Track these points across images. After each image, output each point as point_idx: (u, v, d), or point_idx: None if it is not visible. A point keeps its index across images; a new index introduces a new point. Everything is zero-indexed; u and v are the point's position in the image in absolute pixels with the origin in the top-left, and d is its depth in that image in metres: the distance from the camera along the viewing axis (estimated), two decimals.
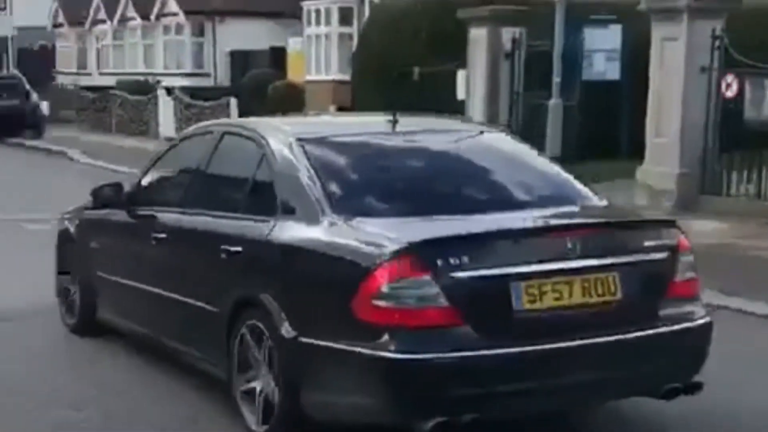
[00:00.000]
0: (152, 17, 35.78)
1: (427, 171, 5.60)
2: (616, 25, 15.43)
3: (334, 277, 4.92)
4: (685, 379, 5.11)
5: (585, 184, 5.72)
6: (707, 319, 5.23)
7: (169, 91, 29.57)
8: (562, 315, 4.82)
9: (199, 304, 5.79)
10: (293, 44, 29.99)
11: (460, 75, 16.11)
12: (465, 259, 4.66)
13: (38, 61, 43.95)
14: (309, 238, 5.09)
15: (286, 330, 5.00)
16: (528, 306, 4.75)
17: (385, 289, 4.61)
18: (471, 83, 15.75)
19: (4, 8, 48.13)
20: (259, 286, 5.27)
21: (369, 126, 6.33)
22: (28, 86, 29.71)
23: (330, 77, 27.23)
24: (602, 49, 15.39)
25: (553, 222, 5.19)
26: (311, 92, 27.00)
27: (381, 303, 4.61)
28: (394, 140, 5.85)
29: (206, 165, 6.21)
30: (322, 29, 27.77)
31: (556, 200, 5.51)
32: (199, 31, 34.77)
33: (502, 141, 6.21)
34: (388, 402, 4.70)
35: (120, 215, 6.87)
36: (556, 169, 5.90)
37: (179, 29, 35.15)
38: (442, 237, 4.78)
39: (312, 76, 28.16)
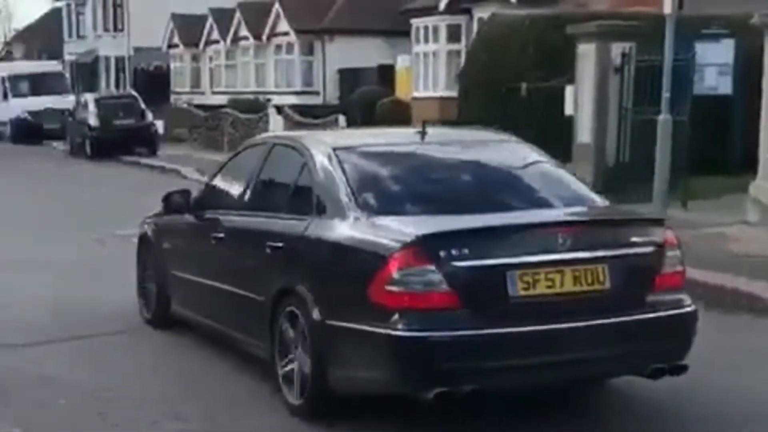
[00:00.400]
0: (264, 37, 36.47)
1: (442, 175, 6.28)
2: (728, 39, 15.18)
3: (355, 266, 5.62)
4: (670, 361, 5.64)
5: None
6: (692, 308, 5.78)
7: (279, 109, 30.07)
8: (554, 301, 5.39)
9: (249, 294, 6.53)
10: (401, 62, 30.21)
11: (568, 90, 16.03)
12: (465, 250, 5.30)
13: (153, 80, 45.13)
14: (336, 233, 5.82)
15: (316, 314, 5.70)
16: (522, 292, 5.34)
17: (396, 276, 5.26)
18: (579, 99, 15.65)
19: (122, 29, 49.56)
20: (296, 277, 6.01)
21: (400, 137, 7.25)
22: (143, 105, 30.53)
23: (437, 94, 27.35)
24: (714, 63, 15.13)
25: (545, 219, 5.77)
26: (418, 109, 27.13)
27: (392, 288, 5.27)
28: (418, 149, 6.53)
29: (258, 172, 7.00)
30: (431, 46, 27.93)
31: (557, 201, 6.11)
32: (309, 50, 35.29)
33: (518, 150, 6.78)
34: (396, 374, 5.36)
35: (188, 219, 7.66)
36: (564, 175, 6.54)
37: (290, 48, 35.73)
38: (444, 231, 5.42)
39: (419, 93, 28.31)
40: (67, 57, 54.45)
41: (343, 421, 5.81)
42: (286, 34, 35.42)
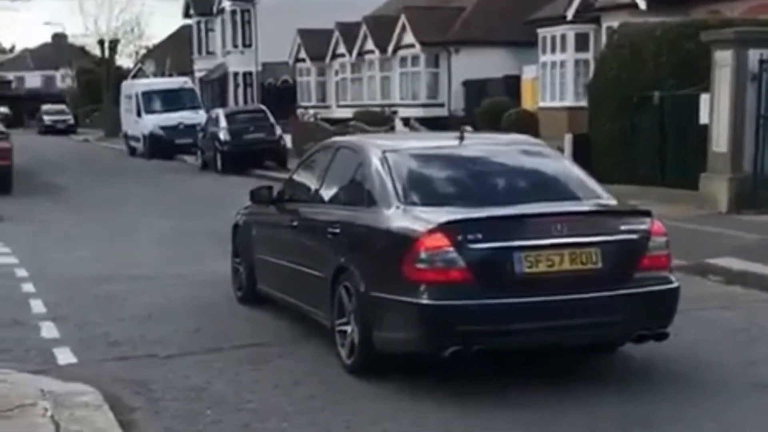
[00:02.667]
0: (389, 50, 36.73)
1: (471, 173, 7.36)
2: None
3: (392, 248, 6.80)
4: (654, 328, 6.82)
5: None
6: (675, 285, 6.88)
7: (405, 121, 30.21)
8: (554, 277, 6.51)
9: (315, 272, 7.79)
10: (528, 72, 30.04)
11: (703, 99, 15.67)
12: (479, 235, 6.47)
13: (280, 95, 45.90)
14: (380, 221, 7.03)
15: (362, 287, 6.93)
16: (527, 270, 6.48)
17: (423, 255, 6.46)
18: (715, 107, 15.28)
19: (250, 45, 50.57)
20: (349, 257, 7.23)
21: (441, 140, 8.51)
22: (272, 120, 31.00)
23: (565, 104, 27.11)
24: None
25: (547, 210, 6.82)
26: (545, 119, 26.95)
27: (420, 266, 6.47)
28: (454, 151, 7.65)
29: (326, 170, 8.27)
30: (558, 56, 27.71)
31: (565, 196, 7.19)
32: (435, 62, 35.41)
33: (542, 154, 7.85)
34: (422, 335, 6.58)
35: (271, 210, 9.07)
36: (577, 174, 7.58)
37: (415, 61, 35.91)
38: (462, 219, 6.58)
39: (546, 103, 28.12)
40: (196, 73, 55.81)
41: (383, 378, 6.96)
42: (411, 46, 35.61)
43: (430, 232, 6.47)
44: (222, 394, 6.89)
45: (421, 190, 7.12)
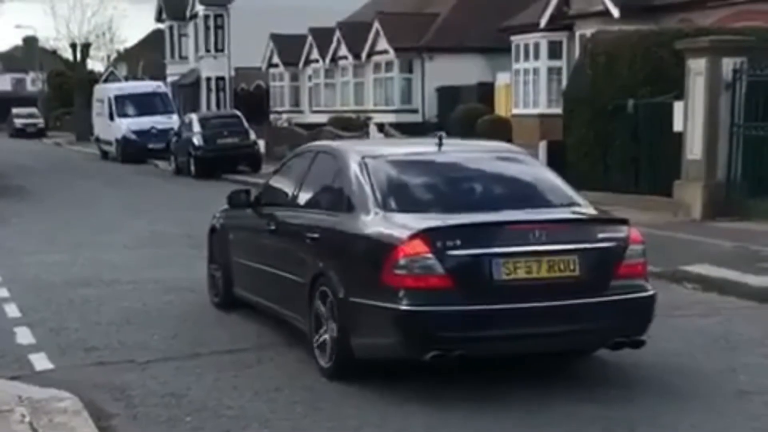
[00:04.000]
0: (363, 56, 36.73)
1: (450, 180, 7.45)
2: None
3: (371, 254, 6.85)
4: (630, 336, 6.85)
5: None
6: (651, 292, 6.94)
7: (379, 127, 30.22)
8: (532, 284, 6.58)
9: (293, 277, 7.82)
10: (501, 79, 30.14)
11: (677, 107, 15.78)
12: (458, 242, 6.52)
13: (253, 100, 45.79)
14: (358, 227, 7.05)
15: (341, 292, 6.97)
16: (505, 277, 6.54)
17: (402, 262, 6.51)
18: (689, 115, 15.38)
19: (223, 50, 50.41)
20: (328, 262, 7.26)
21: (420, 147, 8.45)
22: (246, 124, 30.93)
23: (537, 111, 27.21)
24: None
25: (526, 218, 6.90)
26: (518, 126, 27.02)
27: (398, 272, 6.52)
28: (433, 158, 7.70)
29: (305, 174, 8.27)
30: (531, 63, 27.80)
31: (544, 203, 7.28)
32: (408, 68, 35.44)
33: (520, 161, 7.94)
34: (401, 341, 6.59)
35: (249, 213, 9.02)
36: (555, 181, 7.65)
37: (389, 67, 35.93)
38: (441, 226, 6.62)
39: (519, 110, 28.20)
40: (169, 78, 55.57)
41: (367, 382, 6.97)
42: (385, 52, 35.63)
43: (410, 238, 6.53)
44: (202, 400, 6.85)
45: (400, 196, 7.15)
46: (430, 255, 6.46)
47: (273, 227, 8.40)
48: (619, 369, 7.34)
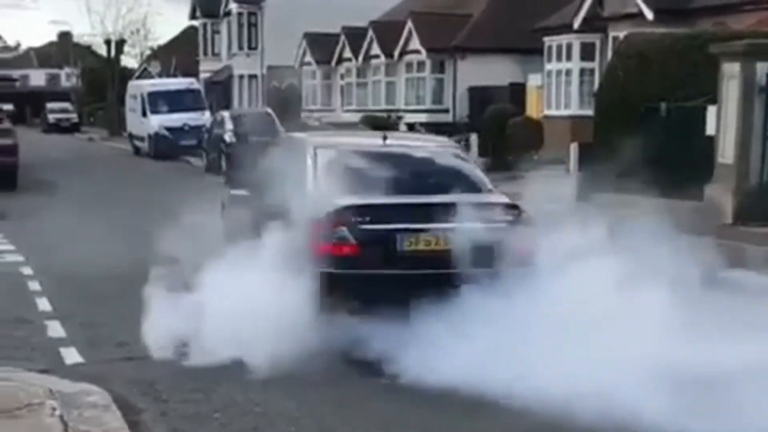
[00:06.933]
0: (395, 55, 36.75)
1: (385, 168, 8.49)
2: None
3: (306, 226, 8.00)
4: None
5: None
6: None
7: (410, 126, 30.21)
8: (429, 255, 7.86)
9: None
10: (533, 80, 30.06)
11: (710, 111, 15.69)
12: (368, 218, 7.93)
13: (285, 98, 45.87)
14: (302, 204, 8.24)
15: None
16: (407, 248, 7.91)
17: (323, 233, 7.90)
18: (722, 119, 15.29)
19: (256, 48, 50.58)
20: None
21: (367, 139, 10.28)
22: (278, 122, 30.99)
23: (569, 113, 27.11)
24: None
25: (430, 200, 8.14)
26: (549, 127, 26.94)
27: (320, 241, 7.88)
28: (374, 149, 8.99)
29: (280, 159, 9.45)
30: (563, 65, 27.72)
31: (456, 190, 8.38)
32: (440, 68, 35.43)
33: (449, 153, 9.36)
34: (325, 295, 7.68)
35: (243, 193, 10.16)
36: (473, 173, 9.04)
37: (421, 66, 35.92)
38: (354, 205, 8.00)
39: (551, 112, 28.12)
40: (201, 75, 55.82)
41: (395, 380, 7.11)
42: (417, 52, 35.62)
43: (328, 214, 7.97)
44: (230, 396, 6.90)
45: (338, 180, 8.42)
46: (344, 228, 7.89)
47: (250, 205, 9.66)
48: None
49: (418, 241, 7.90)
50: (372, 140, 9.54)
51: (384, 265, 7.87)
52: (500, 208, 8.28)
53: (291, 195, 8.54)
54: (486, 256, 7.80)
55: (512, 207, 8.33)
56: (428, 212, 7.99)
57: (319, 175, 8.60)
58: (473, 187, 8.68)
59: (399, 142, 9.70)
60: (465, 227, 7.85)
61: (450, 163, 9.08)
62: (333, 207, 8.00)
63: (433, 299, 7.53)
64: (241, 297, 7.63)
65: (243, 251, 8.40)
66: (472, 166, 9.29)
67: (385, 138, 9.16)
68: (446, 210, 7.97)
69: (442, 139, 10.69)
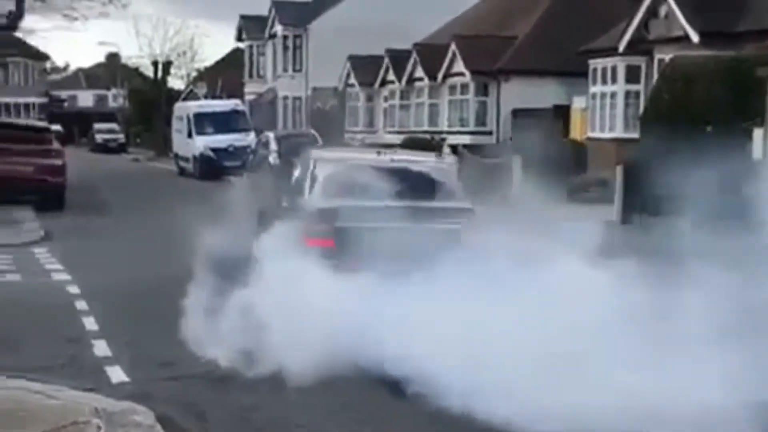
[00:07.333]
0: (439, 77, 36.82)
1: (375, 178, 9.86)
2: None
3: (298, 223, 9.70)
4: None
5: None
6: None
7: (453, 148, 30.21)
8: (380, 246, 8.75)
9: None
10: (577, 102, 29.98)
11: (757, 134, 15.59)
12: (345, 218, 9.54)
13: (328, 119, 46.08)
14: (302, 206, 10.32)
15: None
16: (373, 244, 8.77)
17: (308, 229, 9.64)
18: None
19: (301, 69, 50.93)
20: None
21: (366, 154, 12.01)
22: (321, 143, 31.13)
23: (613, 135, 27.00)
24: None
25: (397, 204, 9.46)
26: (594, 149, 26.84)
27: (309, 236, 9.52)
28: (370, 162, 10.55)
29: (299, 170, 11.39)
30: (608, 87, 27.63)
31: (428, 197, 10.00)
32: (484, 90, 35.43)
33: (437, 167, 10.84)
34: None
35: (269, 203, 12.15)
36: (451, 185, 10.53)
37: (464, 89, 35.95)
38: (333, 207, 9.77)
39: (595, 134, 28.01)
40: (246, 96, 56.26)
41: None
42: (461, 74, 35.66)
43: (313, 214, 9.87)
44: (272, 417, 6.95)
45: (333, 187, 10.23)
46: (325, 226, 9.60)
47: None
48: None
49: (386, 238, 8.86)
50: (370, 156, 11.15)
51: (354, 257, 8.88)
52: (458, 211, 9.90)
53: (296, 200, 10.68)
54: (440, 249, 8.75)
55: (468, 210, 10.05)
56: (395, 214, 9.22)
57: (321, 183, 10.40)
58: (447, 197, 10.24)
59: (391, 157, 10.88)
60: (424, 227, 9.25)
61: (434, 177, 10.50)
62: (315, 209, 9.95)
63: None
64: (279, 311, 7.81)
65: (273, 263, 8.92)
66: (453, 181, 10.74)
67: (378, 153, 11.02)
68: (412, 212, 9.28)
69: (431, 157, 11.98)
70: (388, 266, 8.34)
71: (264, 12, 54.15)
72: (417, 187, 10.14)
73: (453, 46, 35.76)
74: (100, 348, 9.14)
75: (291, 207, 10.80)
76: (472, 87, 35.48)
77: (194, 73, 69.17)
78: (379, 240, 8.78)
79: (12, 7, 21.60)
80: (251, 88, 57.47)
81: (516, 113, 33.92)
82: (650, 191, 17.54)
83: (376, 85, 42.45)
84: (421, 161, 11.09)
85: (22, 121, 45.09)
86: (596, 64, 28.07)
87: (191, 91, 64.65)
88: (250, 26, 56.73)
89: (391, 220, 9.19)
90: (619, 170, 19.73)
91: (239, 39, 59.91)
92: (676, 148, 17.94)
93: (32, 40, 47.68)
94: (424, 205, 9.77)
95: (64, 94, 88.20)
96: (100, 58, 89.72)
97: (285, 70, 52.10)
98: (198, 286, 9.13)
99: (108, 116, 74.08)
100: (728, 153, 16.74)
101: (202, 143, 37.64)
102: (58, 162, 23.49)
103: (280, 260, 8.68)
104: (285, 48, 51.93)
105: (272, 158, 29.96)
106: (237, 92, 56.69)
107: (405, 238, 8.87)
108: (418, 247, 8.69)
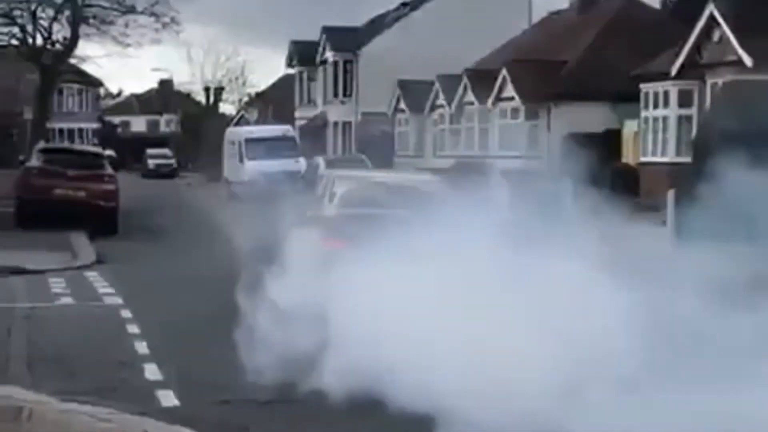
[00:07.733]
0: (489, 102, 36.81)
1: (377, 191, 12.34)
2: None
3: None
4: None
5: None
6: None
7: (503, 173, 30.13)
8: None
9: None
10: (629, 126, 29.81)
11: None
12: (348, 226, 10.77)
13: (378, 144, 46.24)
14: (321, 212, 12.80)
15: None
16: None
17: (323, 231, 11.64)
18: None
19: (351, 95, 51.19)
20: None
21: (377, 173, 15.65)
22: (371, 167, 31.24)
23: (666, 159, 26.79)
24: None
25: (379, 212, 11.00)
26: (646, 174, 26.68)
27: (325, 239, 11.30)
28: (374, 179, 13.37)
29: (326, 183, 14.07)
30: (660, 111, 27.45)
31: (409, 208, 10.56)
32: (534, 115, 35.35)
33: (428, 183, 13.23)
34: None
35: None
36: (433, 197, 11.31)
37: (515, 113, 35.90)
38: (341, 214, 12.06)
39: (647, 158, 27.84)
40: (297, 121, 56.64)
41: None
42: (511, 99, 35.64)
43: (326, 218, 12.20)
44: None
45: (346, 199, 12.50)
46: (333, 228, 11.49)
47: None
48: None
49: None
50: (380, 174, 14.09)
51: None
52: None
53: (321, 205, 13.08)
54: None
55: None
56: (382, 220, 10.24)
57: (329, 193, 12.97)
58: (427, 203, 11.48)
59: (394, 175, 13.89)
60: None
61: (422, 192, 12.01)
62: (329, 214, 12.38)
63: None
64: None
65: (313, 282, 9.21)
66: (438, 194, 11.80)
67: (387, 172, 13.92)
68: (397, 218, 10.26)
69: (431, 177, 14.33)
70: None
71: (314, 38, 54.59)
72: (404, 199, 11.44)
73: (504, 71, 35.76)
74: (152, 371, 9.18)
75: (313, 215, 12.75)
76: (522, 111, 35.42)
77: (245, 99, 69.84)
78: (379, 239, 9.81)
79: (67, 33, 21.96)
80: (302, 114, 57.86)
81: (567, 138, 33.75)
82: (703, 217, 17.33)
83: (426, 110, 42.54)
84: (415, 179, 13.59)
85: (76, 146, 45.66)
86: (648, 88, 27.92)
87: (242, 116, 65.26)
88: (301, 52, 57.21)
89: (376, 225, 10.07)
90: (671, 194, 19.52)
91: (290, 65, 60.40)
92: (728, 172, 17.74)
93: (86, 67, 48.43)
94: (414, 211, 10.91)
95: (117, 119, 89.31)
96: (153, 84, 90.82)
97: (335, 95, 52.43)
98: (248, 306, 9.00)
99: (160, 141, 74.82)
100: None
101: (253, 168, 37.90)
102: (111, 187, 23.76)
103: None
104: (335, 74, 52.27)
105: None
106: (287, 117, 57.08)
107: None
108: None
